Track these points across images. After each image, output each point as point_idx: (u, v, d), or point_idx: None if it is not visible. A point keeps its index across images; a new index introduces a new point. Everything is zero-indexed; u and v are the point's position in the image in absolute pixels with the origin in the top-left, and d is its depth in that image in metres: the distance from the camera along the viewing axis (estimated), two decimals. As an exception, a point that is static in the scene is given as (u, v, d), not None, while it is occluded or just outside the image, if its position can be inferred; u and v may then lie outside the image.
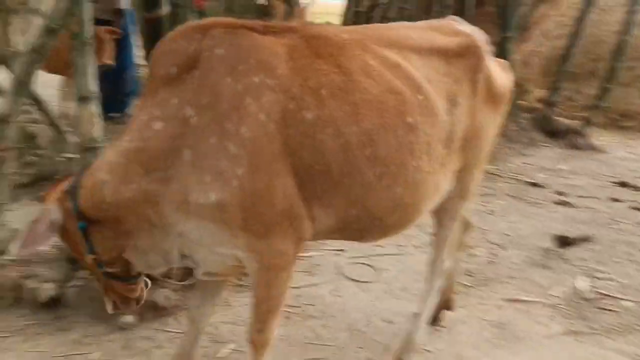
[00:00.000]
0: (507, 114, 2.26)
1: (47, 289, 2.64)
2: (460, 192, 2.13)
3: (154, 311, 2.66)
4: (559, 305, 3.03)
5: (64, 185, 1.85)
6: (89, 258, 1.82)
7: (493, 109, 2.03)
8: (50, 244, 1.82)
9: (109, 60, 4.78)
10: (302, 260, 3.26)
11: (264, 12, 8.50)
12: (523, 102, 6.89)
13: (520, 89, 6.05)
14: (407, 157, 1.78)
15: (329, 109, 1.66)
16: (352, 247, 3.49)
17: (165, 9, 3.98)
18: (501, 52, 5.13)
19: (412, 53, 1.86)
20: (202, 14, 4.87)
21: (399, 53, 1.84)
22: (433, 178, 1.90)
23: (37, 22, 3.06)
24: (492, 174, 5.04)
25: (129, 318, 2.59)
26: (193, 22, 1.84)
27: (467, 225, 2.67)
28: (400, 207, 1.86)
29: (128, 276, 1.91)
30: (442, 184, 1.99)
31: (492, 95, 1.99)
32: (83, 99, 2.65)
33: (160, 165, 1.65)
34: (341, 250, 3.52)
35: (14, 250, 1.97)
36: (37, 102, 3.14)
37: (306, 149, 1.65)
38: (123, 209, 1.71)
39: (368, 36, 1.87)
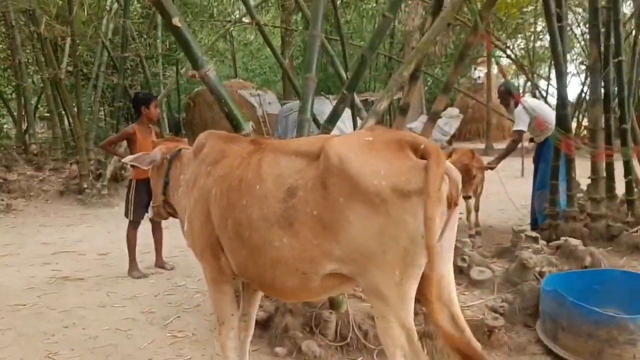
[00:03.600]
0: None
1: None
2: (369, 290, 2.12)
3: (297, 352, 3.44)
4: None
5: (173, 146, 3.19)
6: (161, 197, 3.11)
7: (365, 206, 1.99)
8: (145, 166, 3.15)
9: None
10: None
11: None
12: None
13: None
14: (243, 229, 2.33)
15: (220, 189, 2.46)
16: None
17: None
18: None
19: (283, 156, 2.30)
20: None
21: (273, 156, 2.34)
22: (272, 250, 2.24)
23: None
24: None
25: (281, 350, 3.48)
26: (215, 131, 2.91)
27: None
28: (254, 268, 2.36)
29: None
30: (289, 258, 2.20)
31: (358, 193, 2.00)
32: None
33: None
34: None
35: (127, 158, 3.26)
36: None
37: (212, 212, 2.50)
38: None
39: (276, 144, 2.46)
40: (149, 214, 3.45)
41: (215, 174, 2.60)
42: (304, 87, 3.74)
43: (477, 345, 2.37)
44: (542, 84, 17.80)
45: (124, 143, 5.97)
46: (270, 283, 2.38)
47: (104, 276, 5.44)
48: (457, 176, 2.10)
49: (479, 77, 21.79)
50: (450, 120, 19.94)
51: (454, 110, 20.30)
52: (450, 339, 2.11)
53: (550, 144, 5.94)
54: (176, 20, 2.84)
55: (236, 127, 3.08)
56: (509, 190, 7.36)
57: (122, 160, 3.55)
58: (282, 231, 2.21)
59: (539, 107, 6.60)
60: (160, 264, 5.68)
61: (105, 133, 12.94)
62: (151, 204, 3.31)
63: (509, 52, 14.88)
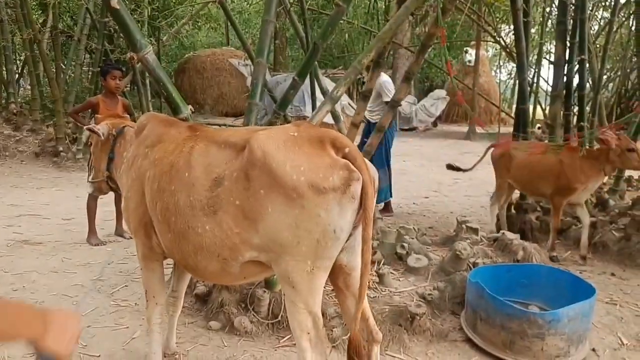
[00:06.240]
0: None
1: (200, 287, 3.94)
2: (282, 277, 2.25)
3: (229, 327, 3.60)
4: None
5: (118, 122, 3.34)
6: (105, 172, 3.25)
7: (283, 199, 2.11)
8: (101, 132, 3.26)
9: None
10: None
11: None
12: None
13: None
14: (170, 213, 2.42)
15: (154, 172, 2.53)
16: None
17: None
18: None
19: (214, 145, 2.38)
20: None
21: (205, 145, 2.42)
22: (195, 236, 2.32)
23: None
24: None
25: (214, 324, 3.64)
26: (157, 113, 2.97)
27: (368, 335, 2.52)
28: (179, 251, 2.46)
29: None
30: (210, 245, 2.30)
31: (278, 186, 2.11)
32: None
33: None
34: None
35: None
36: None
37: (146, 194, 2.58)
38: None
39: (210, 133, 2.54)
40: (88, 189, 3.52)
41: (151, 157, 2.68)
42: (254, 72, 3.80)
43: (378, 335, 2.54)
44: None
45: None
46: (194, 266, 2.51)
47: (63, 242, 5.56)
48: (370, 178, 2.20)
49: (469, 60, 21.76)
50: (436, 102, 19.99)
51: (441, 92, 20.35)
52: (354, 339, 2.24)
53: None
54: (114, 2, 2.89)
55: (175, 110, 3.15)
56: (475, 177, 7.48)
57: (85, 127, 3.66)
58: (206, 218, 2.33)
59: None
60: (120, 232, 5.81)
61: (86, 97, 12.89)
62: (89, 179, 3.39)
63: (498, 38, 14.83)
